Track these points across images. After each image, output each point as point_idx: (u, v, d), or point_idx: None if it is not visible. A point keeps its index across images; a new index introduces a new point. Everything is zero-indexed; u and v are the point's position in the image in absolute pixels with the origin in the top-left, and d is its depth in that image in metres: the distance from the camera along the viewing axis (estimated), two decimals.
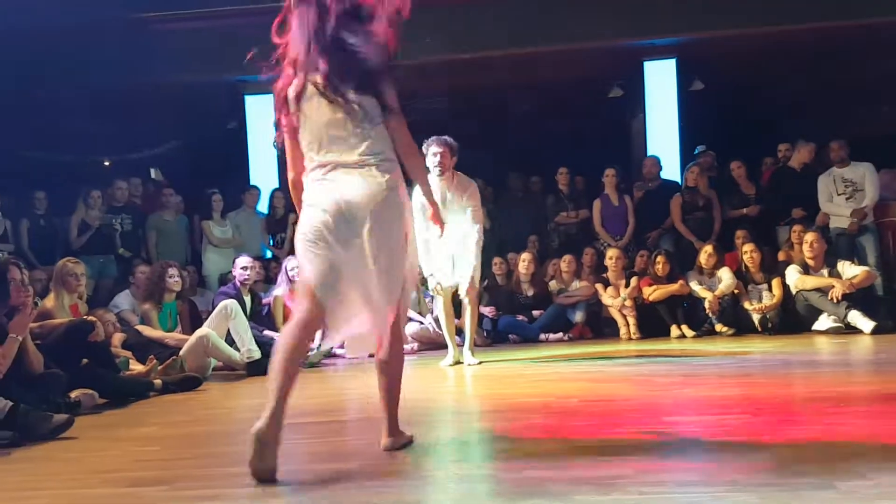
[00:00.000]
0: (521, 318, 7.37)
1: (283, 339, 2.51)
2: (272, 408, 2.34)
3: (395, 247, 2.52)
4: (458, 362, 5.50)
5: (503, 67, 9.23)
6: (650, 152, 8.69)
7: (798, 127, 8.76)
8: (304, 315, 2.51)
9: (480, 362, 5.43)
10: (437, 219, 3.06)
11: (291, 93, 2.56)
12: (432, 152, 5.27)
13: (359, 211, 2.46)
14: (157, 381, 4.83)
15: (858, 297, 6.41)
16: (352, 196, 2.47)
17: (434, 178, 5.25)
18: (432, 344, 6.78)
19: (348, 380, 5.36)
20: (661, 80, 9.06)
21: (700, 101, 9.48)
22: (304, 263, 2.54)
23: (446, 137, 5.36)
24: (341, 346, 6.23)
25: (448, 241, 5.28)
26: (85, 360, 4.52)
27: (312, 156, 2.56)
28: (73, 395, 4.10)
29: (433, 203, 2.96)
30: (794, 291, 6.70)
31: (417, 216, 5.33)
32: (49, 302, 5.12)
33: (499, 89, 9.99)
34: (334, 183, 2.50)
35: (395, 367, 2.70)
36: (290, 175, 2.70)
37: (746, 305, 6.82)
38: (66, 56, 8.11)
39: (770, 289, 6.87)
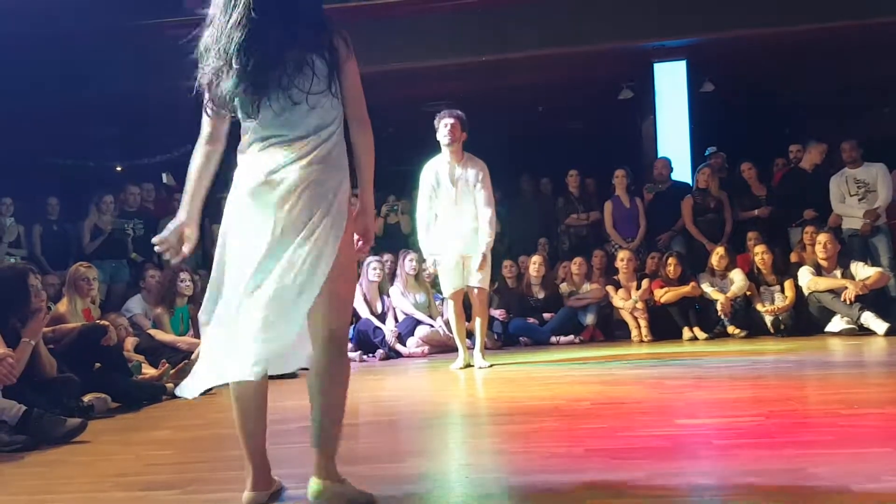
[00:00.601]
0: (531, 320, 7.36)
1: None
2: (250, 472, 2.21)
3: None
4: (468, 365, 5.49)
5: (513, 70, 9.23)
6: (661, 154, 8.66)
7: (809, 128, 8.74)
8: None
9: (491, 365, 5.42)
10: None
11: None
12: (443, 123, 5.32)
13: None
14: (170, 385, 4.85)
15: (871, 299, 6.36)
16: None
17: (443, 157, 5.31)
18: (442, 347, 6.78)
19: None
20: (671, 82, 9.03)
21: (710, 103, 9.45)
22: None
23: (458, 111, 5.40)
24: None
25: (457, 223, 5.30)
26: (98, 364, 4.55)
27: None
28: (86, 398, 4.12)
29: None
30: (806, 293, 6.66)
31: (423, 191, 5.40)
32: (62, 307, 5.15)
33: (509, 91, 9.99)
34: None
35: (336, 383, 2.19)
36: None
37: (759, 307, 6.78)
38: (77, 62, 8.18)
39: (782, 290, 6.83)
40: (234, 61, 2.06)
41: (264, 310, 2.02)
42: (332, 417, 2.17)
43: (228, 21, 2.08)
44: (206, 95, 2.17)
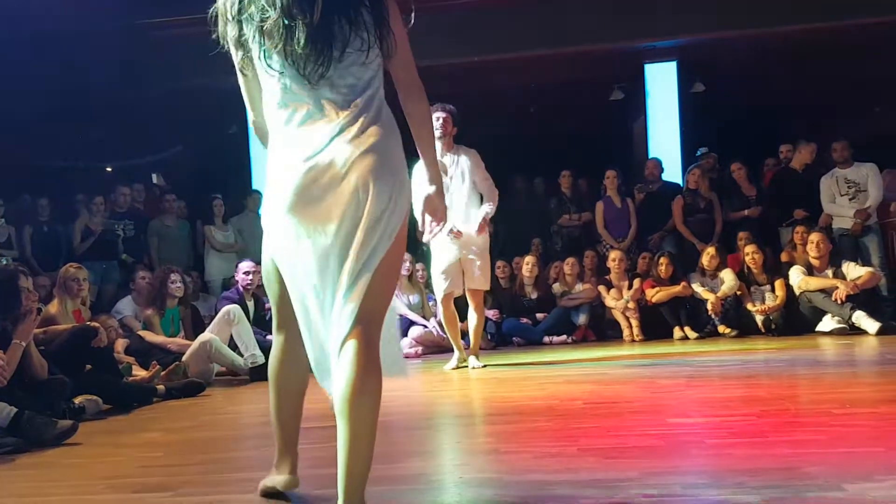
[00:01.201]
0: (524, 320, 7.37)
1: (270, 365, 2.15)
2: (287, 458, 2.17)
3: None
4: (462, 365, 5.49)
5: (505, 70, 9.25)
6: (652, 154, 8.69)
7: (799, 128, 8.78)
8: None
9: (485, 366, 5.42)
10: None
11: None
12: (435, 116, 5.35)
13: None
14: (161, 387, 4.83)
15: (863, 298, 6.40)
16: None
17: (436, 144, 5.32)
18: (436, 347, 6.78)
19: None
20: (662, 83, 9.07)
21: (701, 103, 9.48)
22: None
23: (449, 105, 5.44)
24: None
25: (449, 214, 5.28)
26: (88, 366, 4.53)
27: None
28: (77, 400, 4.10)
29: None
30: (797, 292, 6.69)
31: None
32: (52, 308, 5.12)
33: (501, 92, 10.01)
34: None
35: (367, 408, 1.75)
36: None
37: (749, 307, 6.80)
38: (67, 62, 8.13)
39: (773, 290, 6.86)
40: (294, 9, 1.76)
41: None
42: (359, 448, 1.75)
43: None
44: (240, 55, 1.89)
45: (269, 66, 1.83)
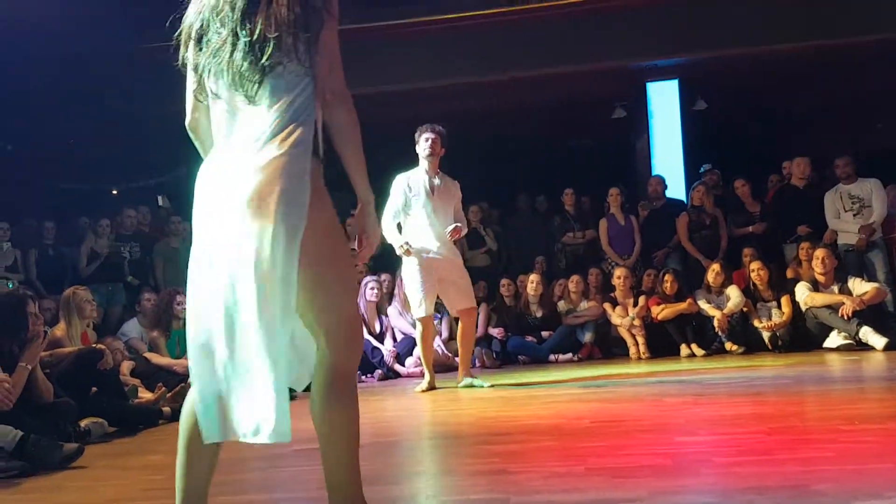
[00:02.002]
0: (529, 338, 7.35)
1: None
2: None
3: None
4: (431, 388, 5.43)
5: (508, 90, 9.30)
6: (655, 172, 8.70)
7: (802, 144, 8.78)
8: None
9: (492, 385, 5.37)
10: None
11: None
12: (424, 137, 5.38)
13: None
14: (167, 409, 4.82)
15: (869, 314, 6.37)
16: None
17: (420, 169, 5.39)
18: (441, 366, 6.75)
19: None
20: (664, 101, 9.11)
21: (703, 121, 9.52)
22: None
23: (439, 126, 5.45)
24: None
25: (431, 234, 5.30)
26: (94, 389, 4.53)
27: None
28: (83, 423, 4.10)
29: None
30: (803, 308, 6.66)
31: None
32: (58, 331, 5.13)
33: (504, 111, 10.06)
34: None
35: (347, 414, 1.89)
36: None
37: (756, 323, 6.78)
38: (73, 85, 8.21)
39: (779, 306, 6.84)
40: (239, 29, 1.78)
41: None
42: (341, 460, 1.88)
43: None
44: (195, 81, 1.88)
45: (213, 86, 1.84)
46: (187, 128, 1.97)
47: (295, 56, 1.78)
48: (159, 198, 10.43)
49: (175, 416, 4.77)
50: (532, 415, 4.07)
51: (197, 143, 1.99)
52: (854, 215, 7.11)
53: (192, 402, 1.79)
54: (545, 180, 9.47)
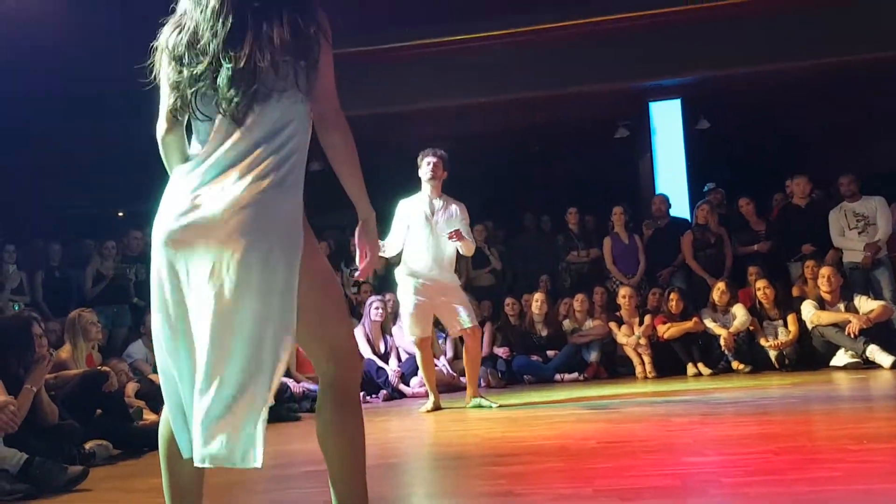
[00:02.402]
0: (535, 358, 7.33)
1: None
2: None
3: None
4: (437, 408, 5.43)
5: (512, 110, 9.36)
6: (658, 191, 8.72)
7: (806, 162, 8.80)
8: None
9: (500, 405, 5.36)
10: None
11: None
12: (426, 161, 5.39)
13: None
14: None
15: (876, 332, 6.34)
16: None
17: (422, 193, 5.39)
18: (446, 386, 6.73)
19: None
20: (667, 120, 9.15)
21: (706, 140, 9.55)
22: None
23: (440, 150, 5.45)
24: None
25: (431, 256, 5.30)
26: (99, 411, 4.52)
27: None
28: (88, 446, 4.09)
29: None
30: (810, 327, 6.64)
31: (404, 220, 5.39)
32: (64, 353, 5.13)
33: (508, 131, 10.11)
34: None
35: (352, 427, 1.91)
36: None
37: (762, 342, 6.75)
38: (79, 109, 8.28)
39: (785, 325, 6.82)
40: (222, 57, 1.76)
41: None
42: (347, 476, 1.90)
43: (207, 10, 1.79)
44: (174, 98, 1.85)
45: (198, 109, 1.82)
46: (159, 142, 1.94)
47: (294, 83, 1.79)
48: None
49: None
50: (538, 435, 4.05)
51: (165, 158, 1.95)
52: (859, 233, 7.10)
53: (166, 419, 1.84)
54: (550, 200, 9.50)
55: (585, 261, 8.42)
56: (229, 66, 1.76)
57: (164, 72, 1.86)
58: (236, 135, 1.78)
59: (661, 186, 8.87)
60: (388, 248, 5.25)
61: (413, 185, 5.48)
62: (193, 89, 1.80)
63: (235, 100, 1.76)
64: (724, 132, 9.77)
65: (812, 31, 8.24)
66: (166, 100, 1.87)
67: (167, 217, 1.79)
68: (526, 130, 10.18)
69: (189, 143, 1.91)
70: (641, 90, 9.12)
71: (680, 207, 8.57)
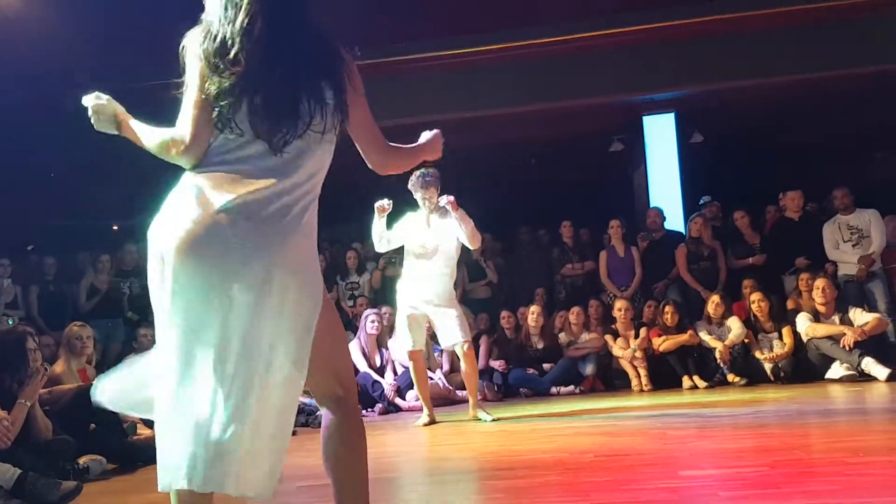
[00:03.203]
0: (531, 371, 7.31)
1: None
2: None
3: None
4: (432, 422, 5.42)
5: (508, 124, 9.39)
6: (653, 204, 8.75)
7: (800, 176, 8.83)
8: None
9: (498, 419, 5.35)
10: None
11: None
12: (419, 196, 5.37)
13: None
14: None
15: (871, 345, 6.35)
16: None
17: (422, 210, 5.40)
18: (442, 399, 6.71)
19: None
20: (660, 134, 9.19)
21: (700, 153, 9.58)
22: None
23: (428, 176, 5.33)
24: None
25: (426, 270, 5.30)
26: (93, 426, 4.49)
27: None
28: (82, 461, 4.07)
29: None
30: (805, 339, 6.65)
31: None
32: (58, 367, 5.10)
33: (504, 145, 10.14)
34: None
35: (355, 444, 1.95)
36: None
37: (758, 355, 6.75)
38: (74, 121, 8.27)
39: (780, 337, 6.82)
40: (255, 72, 1.78)
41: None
42: (361, 493, 1.94)
43: (236, 22, 1.80)
44: (217, 109, 1.81)
45: (235, 123, 1.81)
46: (184, 148, 1.84)
47: (332, 128, 1.86)
48: None
49: None
50: (535, 449, 4.04)
51: (182, 160, 1.87)
52: (853, 246, 7.12)
53: (186, 453, 1.75)
54: (545, 213, 9.51)
55: (580, 273, 8.43)
56: (264, 89, 1.78)
57: (196, 78, 1.83)
58: (273, 162, 1.80)
59: (656, 199, 8.90)
60: (383, 239, 5.31)
61: (409, 198, 5.48)
62: (234, 104, 1.79)
63: (277, 129, 1.78)
64: (717, 146, 9.81)
65: (804, 45, 8.30)
66: (194, 109, 1.82)
67: (194, 230, 1.74)
68: (521, 144, 10.21)
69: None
70: (635, 104, 9.17)
71: (675, 220, 8.59)
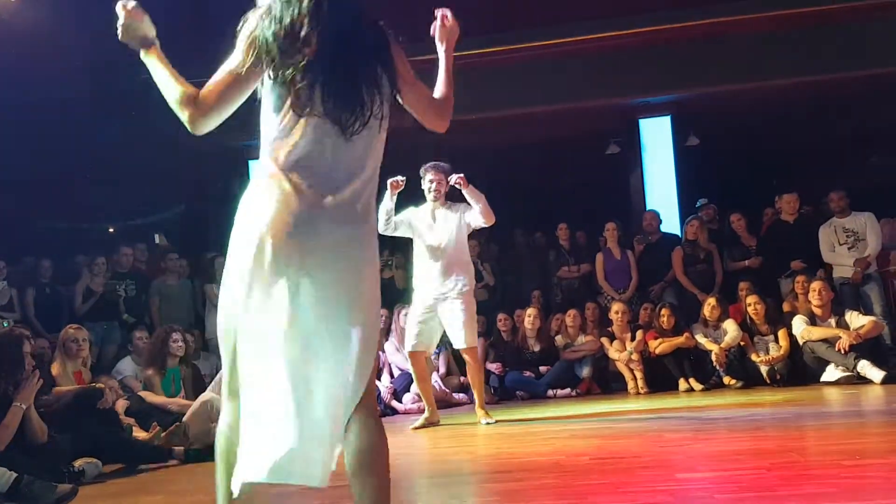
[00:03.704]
0: (527, 374, 7.31)
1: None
2: None
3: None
4: (431, 423, 5.41)
5: (504, 127, 9.40)
6: (649, 206, 8.76)
7: (795, 178, 8.86)
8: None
9: (496, 421, 5.34)
10: None
11: None
12: (429, 178, 5.39)
13: None
14: (179, 449, 4.71)
15: (867, 347, 6.36)
16: None
17: (426, 204, 5.40)
18: (439, 402, 6.69)
19: None
20: (657, 137, 9.21)
21: (696, 156, 9.60)
22: None
23: (443, 164, 5.43)
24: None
25: (433, 264, 5.30)
26: (93, 427, 4.49)
27: None
28: (77, 464, 4.05)
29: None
30: (800, 342, 6.65)
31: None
32: (54, 370, 5.10)
33: (500, 148, 10.15)
34: None
35: (381, 464, 1.89)
36: None
37: (754, 357, 6.76)
38: (70, 123, 8.26)
39: (776, 340, 6.83)
40: (332, 51, 1.81)
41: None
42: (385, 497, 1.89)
43: (302, 2, 1.82)
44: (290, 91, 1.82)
45: (309, 100, 1.83)
46: (200, 112, 1.85)
47: (386, 116, 1.92)
48: (156, 236, 10.44)
49: (188, 460, 4.61)
50: (531, 451, 4.04)
51: (191, 122, 1.86)
52: (849, 248, 7.14)
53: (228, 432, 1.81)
54: (541, 215, 9.51)
55: (576, 276, 8.43)
56: (338, 70, 1.82)
57: (240, 54, 1.83)
58: (345, 146, 1.86)
59: (652, 202, 8.91)
60: (390, 220, 5.32)
61: (420, 195, 5.49)
62: (304, 83, 1.80)
63: (351, 109, 1.83)
64: (713, 149, 9.83)
65: (800, 49, 8.32)
66: (228, 78, 1.84)
67: (285, 218, 1.78)
68: (516, 147, 10.21)
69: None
70: (632, 107, 9.18)
71: (671, 223, 8.60)
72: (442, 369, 7.22)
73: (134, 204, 9.82)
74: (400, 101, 1.97)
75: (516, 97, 8.81)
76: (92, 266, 7.71)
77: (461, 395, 7.04)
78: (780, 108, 9.30)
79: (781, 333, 6.79)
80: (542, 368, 7.36)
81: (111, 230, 10.63)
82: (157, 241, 10.25)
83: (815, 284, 6.69)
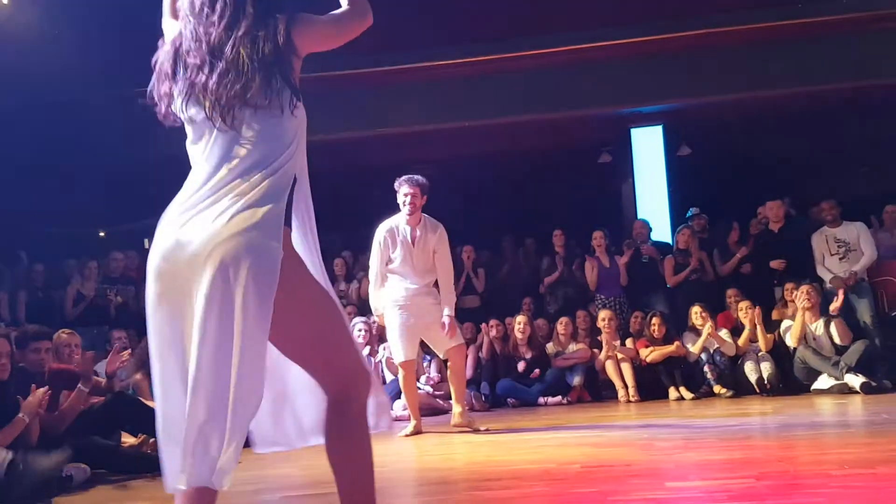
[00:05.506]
0: (519, 385, 7.29)
1: None
2: None
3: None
4: (417, 432, 5.39)
5: (496, 135, 9.43)
6: (640, 215, 8.80)
7: (785, 188, 8.91)
8: None
9: (487, 429, 5.33)
10: None
11: None
12: (403, 192, 5.33)
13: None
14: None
15: (856, 357, 6.38)
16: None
17: (402, 218, 5.35)
18: (430, 409, 6.69)
19: None
20: (648, 146, 9.26)
21: (688, 166, 9.66)
22: None
23: (418, 177, 5.38)
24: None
25: (410, 283, 5.30)
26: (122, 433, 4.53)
27: None
28: (65, 468, 4.03)
29: None
30: (791, 346, 6.66)
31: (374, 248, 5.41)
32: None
33: (492, 156, 10.18)
34: None
35: (368, 440, 1.92)
36: None
37: (746, 368, 6.77)
38: (62, 129, 8.25)
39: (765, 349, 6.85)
40: (209, 55, 1.82)
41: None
42: (367, 486, 1.90)
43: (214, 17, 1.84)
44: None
45: (185, 110, 1.88)
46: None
47: (275, 98, 1.81)
48: (146, 241, 10.39)
49: None
50: (522, 459, 4.04)
51: None
52: (840, 259, 7.15)
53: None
54: (533, 223, 9.54)
55: (568, 283, 8.43)
56: (217, 66, 1.80)
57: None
58: (226, 136, 1.84)
59: (643, 211, 8.95)
60: (375, 283, 5.37)
61: (397, 208, 5.48)
62: (185, 92, 1.86)
63: (224, 100, 1.80)
64: (704, 158, 9.89)
65: (790, 60, 8.39)
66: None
67: (155, 245, 1.88)
68: (510, 155, 10.25)
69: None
70: (623, 116, 9.23)
71: (662, 232, 8.64)
72: (435, 376, 7.20)
73: (125, 209, 9.79)
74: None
75: (509, 105, 8.84)
76: (83, 270, 7.69)
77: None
78: (771, 118, 9.37)
79: (769, 338, 6.81)
80: (533, 376, 7.35)
81: (102, 235, 10.60)
82: (146, 246, 10.21)
83: (804, 287, 6.71)
